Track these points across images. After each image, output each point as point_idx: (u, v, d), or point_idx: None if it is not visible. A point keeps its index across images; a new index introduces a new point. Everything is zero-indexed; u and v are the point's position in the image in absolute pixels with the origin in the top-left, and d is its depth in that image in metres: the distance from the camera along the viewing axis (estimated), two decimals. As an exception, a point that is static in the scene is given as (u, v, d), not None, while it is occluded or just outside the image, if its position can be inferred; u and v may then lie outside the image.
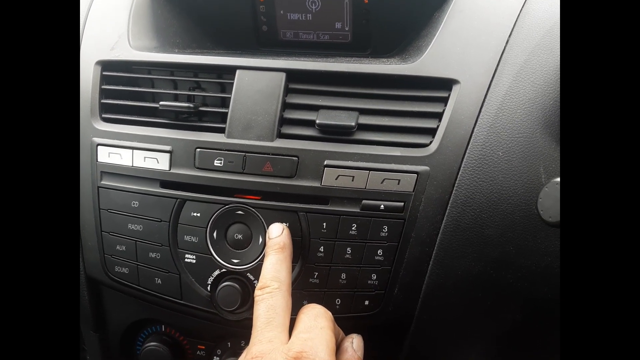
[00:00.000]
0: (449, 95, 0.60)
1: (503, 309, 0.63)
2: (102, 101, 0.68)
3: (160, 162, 0.64)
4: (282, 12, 0.79)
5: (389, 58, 0.70)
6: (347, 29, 0.79)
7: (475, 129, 0.59)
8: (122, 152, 0.65)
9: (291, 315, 0.55)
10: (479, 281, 0.61)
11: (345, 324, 0.59)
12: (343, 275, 0.61)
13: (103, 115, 0.68)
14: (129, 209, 0.65)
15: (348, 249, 0.61)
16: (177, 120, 0.66)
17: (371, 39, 0.79)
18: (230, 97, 0.63)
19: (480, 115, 0.59)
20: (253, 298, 0.63)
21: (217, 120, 0.65)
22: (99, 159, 0.66)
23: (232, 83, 0.64)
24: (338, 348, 0.55)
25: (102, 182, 0.66)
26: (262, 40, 0.82)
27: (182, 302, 0.66)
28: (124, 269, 0.67)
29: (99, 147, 0.66)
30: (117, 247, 0.66)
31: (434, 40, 0.62)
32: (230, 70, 0.64)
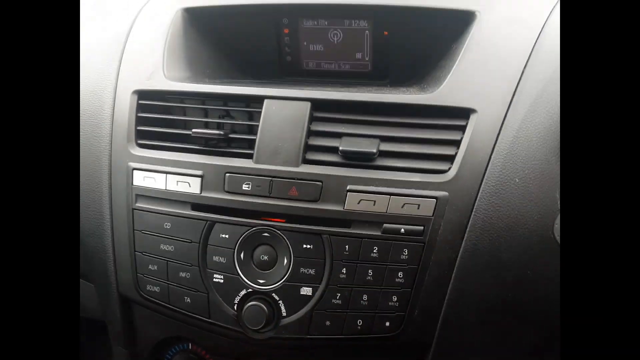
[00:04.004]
0: (467, 123, 0.63)
1: (522, 333, 0.64)
2: (138, 128, 0.72)
3: (191, 186, 0.67)
4: (305, 43, 0.83)
5: (408, 87, 0.73)
6: (367, 59, 0.82)
7: (492, 156, 0.61)
8: (156, 176, 0.69)
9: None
10: (498, 305, 0.62)
11: (366, 345, 0.61)
12: (365, 297, 0.63)
13: (139, 142, 0.72)
14: (161, 230, 0.68)
15: (369, 271, 0.63)
16: (208, 146, 0.69)
17: (390, 68, 0.82)
18: (257, 125, 0.67)
19: (497, 143, 0.62)
20: (278, 318, 0.66)
21: (245, 147, 0.68)
22: (134, 183, 0.70)
23: (260, 111, 0.67)
24: None
25: (137, 205, 0.70)
26: (286, 69, 0.86)
27: (209, 320, 0.68)
28: (155, 287, 0.70)
29: (134, 171, 0.70)
30: (150, 267, 0.70)
31: (452, 71, 0.65)
32: (258, 100, 0.68)
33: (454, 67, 0.66)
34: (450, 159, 0.63)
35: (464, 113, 0.63)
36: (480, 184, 0.61)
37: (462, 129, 0.63)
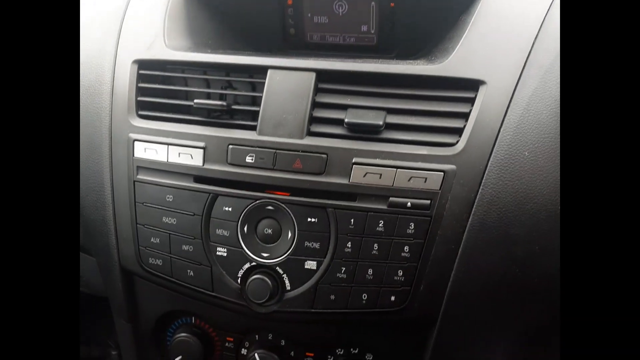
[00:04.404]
0: (476, 95, 0.61)
1: (528, 309, 0.63)
2: (139, 99, 0.70)
3: (194, 158, 0.66)
4: (309, 15, 0.81)
5: (415, 59, 0.71)
6: (372, 31, 0.80)
7: (501, 129, 0.60)
8: (157, 147, 0.67)
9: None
10: (505, 280, 0.61)
11: (371, 319, 0.60)
12: (370, 271, 0.63)
13: (139, 112, 0.70)
14: (163, 203, 0.67)
15: (375, 245, 0.62)
16: (210, 117, 0.68)
17: (396, 42, 0.80)
18: (261, 96, 0.65)
19: (507, 116, 0.60)
20: (282, 292, 0.65)
21: (248, 118, 0.67)
22: (136, 154, 0.69)
23: (263, 82, 0.65)
24: None
25: (138, 177, 0.69)
26: (289, 42, 0.84)
27: (213, 293, 0.68)
28: (157, 260, 0.69)
29: (135, 142, 0.69)
30: (152, 240, 0.69)
31: (460, 42, 0.64)
32: (262, 70, 0.66)
33: (463, 38, 0.64)
34: (458, 131, 0.62)
35: (473, 85, 0.62)
36: (489, 157, 0.60)
37: (471, 101, 0.62)
